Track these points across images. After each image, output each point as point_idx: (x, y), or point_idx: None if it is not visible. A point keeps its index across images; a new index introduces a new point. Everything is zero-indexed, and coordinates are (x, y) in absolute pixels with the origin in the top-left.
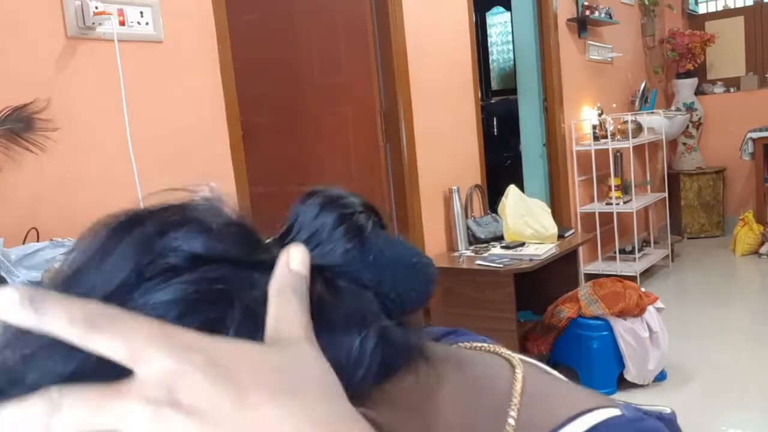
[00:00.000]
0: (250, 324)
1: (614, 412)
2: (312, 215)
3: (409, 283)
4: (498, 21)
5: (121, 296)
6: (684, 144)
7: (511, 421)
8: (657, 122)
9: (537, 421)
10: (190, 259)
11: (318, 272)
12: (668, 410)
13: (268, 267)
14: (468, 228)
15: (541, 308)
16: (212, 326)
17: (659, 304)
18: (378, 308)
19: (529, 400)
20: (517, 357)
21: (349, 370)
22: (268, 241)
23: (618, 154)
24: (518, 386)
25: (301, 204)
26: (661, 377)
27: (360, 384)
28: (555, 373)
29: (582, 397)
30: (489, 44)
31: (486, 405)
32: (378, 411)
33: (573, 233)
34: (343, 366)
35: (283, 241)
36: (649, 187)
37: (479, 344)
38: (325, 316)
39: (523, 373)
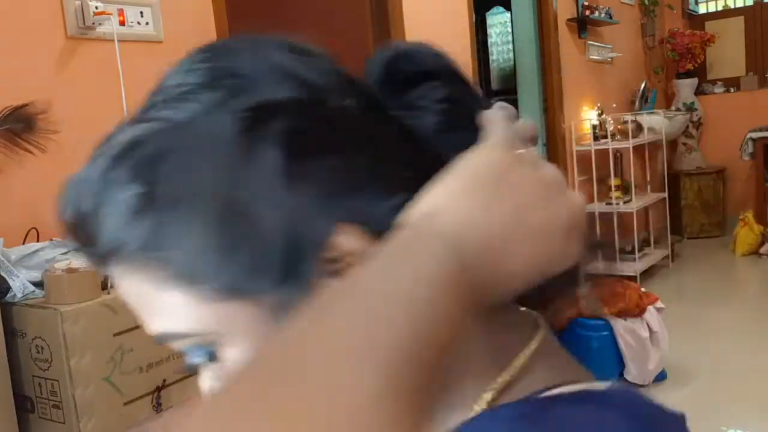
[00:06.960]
0: None
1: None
2: None
3: None
4: (498, 21)
5: None
6: (684, 144)
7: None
8: (657, 122)
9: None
10: None
11: None
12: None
13: None
14: None
15: None
16: None
17: (659, 304)
18: None
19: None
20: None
21: None
22: None
23: (618, 154)
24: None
25: None
26: (661, 377)
27: None
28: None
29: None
30: (489, 44)
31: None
32: None
33: None
34: None
35: None
36: (649, 187)
37: None
38: None
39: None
